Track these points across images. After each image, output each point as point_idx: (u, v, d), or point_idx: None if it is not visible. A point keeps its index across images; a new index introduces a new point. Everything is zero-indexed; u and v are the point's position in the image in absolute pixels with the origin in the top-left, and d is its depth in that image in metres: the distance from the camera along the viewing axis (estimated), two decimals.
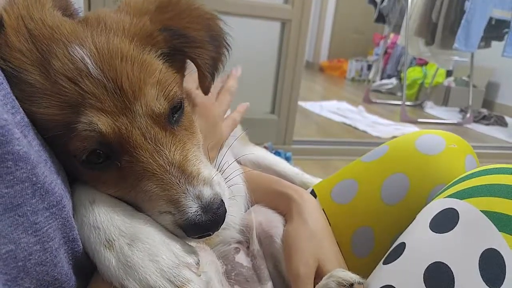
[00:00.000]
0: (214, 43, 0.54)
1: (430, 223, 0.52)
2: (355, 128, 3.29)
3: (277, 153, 2.23)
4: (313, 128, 3.30)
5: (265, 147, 2.30)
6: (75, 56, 0.40)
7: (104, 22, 0.44)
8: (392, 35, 4.75)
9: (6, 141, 0.31)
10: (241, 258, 0.69)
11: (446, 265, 0.47)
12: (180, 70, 0.53)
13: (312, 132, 3.17)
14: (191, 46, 0.51)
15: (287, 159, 2.26)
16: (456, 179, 0.57)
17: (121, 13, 0.47)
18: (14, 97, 0.36)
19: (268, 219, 0.73)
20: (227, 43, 0.57)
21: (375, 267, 0.59)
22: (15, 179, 0.32)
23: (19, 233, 0.33)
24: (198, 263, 0.42)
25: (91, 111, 0.39)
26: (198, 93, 0.64)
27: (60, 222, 0.38)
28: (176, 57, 0.50)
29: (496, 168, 0.53)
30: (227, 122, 0.73)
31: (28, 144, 0.35)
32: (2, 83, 0.35)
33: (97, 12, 0.47)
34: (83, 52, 0.40)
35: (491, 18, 3.30)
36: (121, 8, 0.49)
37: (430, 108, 4.51)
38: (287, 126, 2.44)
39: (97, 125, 0.39)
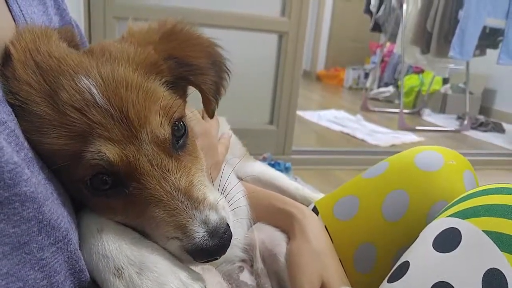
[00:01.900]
0: (215, 68, 0.56)
1: (433, 242, 0.53)
2: (354, 137, 3.30)
3: (276, 164, 2.23)
4: (312, 137, 3.31)
5: (264, 158, 2.31)
6: (81, 87, 0.40)
7: (109, 52, 0.45)
8: (388, 44, 4.79)
9: (14, 184, 0.32)
10: (246, 276, 0.70)
11: (450, 284, 0.47)
12: (183, 96, 0.54)
13: (311, 141, 3.19)
14: (195, 73, 0.52)
15: (287, 169, 2.26)
16: (458, 198, 0.58)
17: (125, 43, 0.48)
18: (18, 134, 0.37)
19: (270, 237, 0.74)
20: (227, 67, 0.59)
21: (378, 282, 0.60)
22: (22, 219, 0.33)
23: (26, 270, 0.34)
24: None
25: (99, 140, 0.40)
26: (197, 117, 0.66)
27: (67, 256, 0.38)
28: (179, 84, 0.51)
29: (498, 187, 0.54)
30: (221, 146, 0.75)
31: (35, 182, 0.35)
32: (6, 122, 0.35)
33: (102, 43, 0.48)
34: (89, 82, 0.41)
35: (485, 27, 3.35)
36: (125, 38, 0.50)
37: (428, 115, 4.54)
38: (286, 136, 2.45)
39: (105, 154, 0.40)
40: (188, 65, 0.51)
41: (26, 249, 0.34)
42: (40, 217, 0.35)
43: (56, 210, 0.37)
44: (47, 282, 0.35)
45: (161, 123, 0.43)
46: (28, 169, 0.35)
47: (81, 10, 1.89)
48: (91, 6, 1.92)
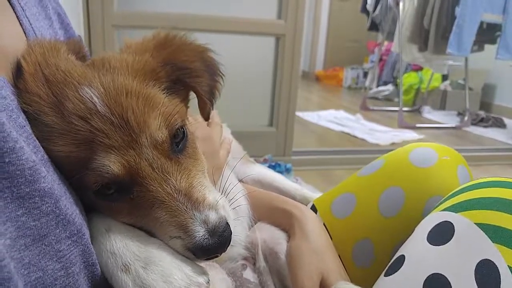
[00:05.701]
0: (209, 71, 0.58)
1: (428, 236, 0.55)
2: (354, 136, 3.31)
3: (277, 165, 2.25)
4: (312, 138, 3.33)
5: (265, 160, 2.33)
6: (84, 97, 0.43)
7: (108, 62, 0.47)
8: (386, 43, 4.81)
9: (34, 180, 0.35)
10: (248, 274, 0.72)
11: (444, 276, 0.49)
12: (183, 101, 0.56)
13: (311, 142, 3.20)
14: (191, 76, 0.55)
15: (288, 170, 2.28)
16: (451, 192, 0.60)
17: (123, 54, 0.51)
18: (35, 138, 0.40)
19: (271, 236, 0.76)
20: (220, 71, 0.61)
21: (376, 277, 0.61)
22: (41, 213, 0.36)
23: (46, 261, 0.37)
24: (208, 283, 0.45)
25: (102, 149, 0.42)
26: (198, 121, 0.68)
27: (81, 249, 0.41)
28: (178, 89, 0.54)
29: (489, 181, 0.56)
30: (222, 151, 0.77)
31: (51, 180, 0.38)
32: (25, 126, 0.38)
33: (102, 55, 0.50)
34: (91, 92, 0.43)
35: (482, 22, 3.36)
36: (123, 50, 0.53)
37: (428, 112, 4.55)
38: (286, 138, 2.47)
39: (109, 166, 0.42)
40: (184, 69, 0.54)
41: (46, 241, 0.37)
42: (57, 211, 0.38)
43: (70, 207, 0.40)
44: (64, 273, 0.38)
45: (159, 127, 0.46)
46: (44, 168, 0.38)
47: (80, 19, 1.92)
48: (90, 15, 1.95)
